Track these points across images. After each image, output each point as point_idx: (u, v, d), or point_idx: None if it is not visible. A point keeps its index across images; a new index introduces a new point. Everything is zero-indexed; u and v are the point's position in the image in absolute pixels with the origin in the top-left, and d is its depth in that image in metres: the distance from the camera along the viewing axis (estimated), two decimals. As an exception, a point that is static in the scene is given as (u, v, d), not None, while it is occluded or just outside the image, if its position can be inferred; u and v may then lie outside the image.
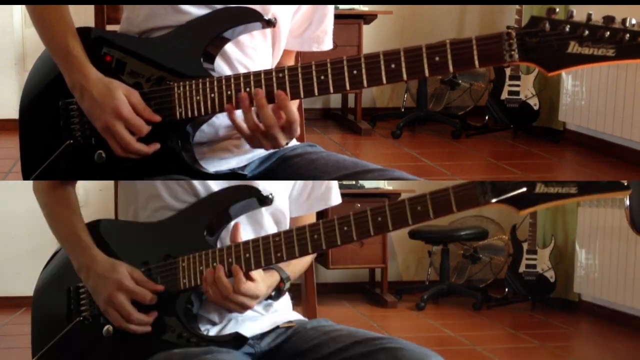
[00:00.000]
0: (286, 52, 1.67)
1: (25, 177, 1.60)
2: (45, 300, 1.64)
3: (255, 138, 1.44)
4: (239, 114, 1.43)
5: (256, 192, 1.48)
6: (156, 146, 1.48)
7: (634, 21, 1.20)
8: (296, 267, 1.61)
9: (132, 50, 1.51)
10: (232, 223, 1.51)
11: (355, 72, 1.36)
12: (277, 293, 1.54)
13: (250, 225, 1.55)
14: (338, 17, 1.72)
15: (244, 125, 1.44)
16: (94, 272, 1.51)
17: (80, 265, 1.54)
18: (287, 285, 1.55)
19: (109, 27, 1.95)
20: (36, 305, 1.66)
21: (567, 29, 1.22)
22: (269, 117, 1.41)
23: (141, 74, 1.49)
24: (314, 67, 1.39)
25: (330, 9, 1.66)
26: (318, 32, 1.67)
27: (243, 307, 1.45)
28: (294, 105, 1.46)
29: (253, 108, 1.42)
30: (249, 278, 1.44)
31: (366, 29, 5.19)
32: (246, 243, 1.44)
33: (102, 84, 1.47)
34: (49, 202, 1.62)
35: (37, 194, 1.64)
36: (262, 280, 1.47)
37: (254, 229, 1.55)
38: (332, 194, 1.65)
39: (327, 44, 1.68)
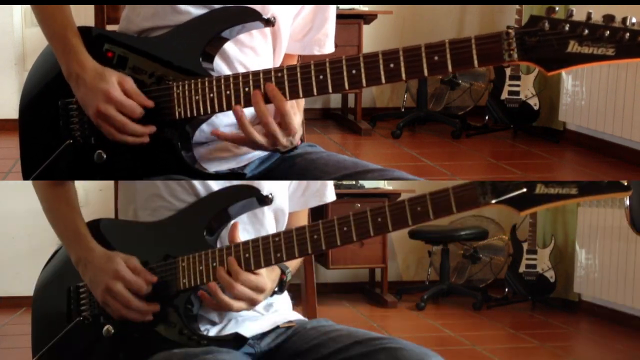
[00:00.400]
0: (288, 56, 1.67)
1: (25, 177, 1.60)
2: (46, 299, 1.64)
3: (253, 140, 1.45)
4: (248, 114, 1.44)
5: (256, 192, 1.48)
6: (152, 128, 1.48)
7: (634, 20, 1.19)
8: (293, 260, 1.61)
9: (133, 47, 1.51)
10: (232, 223, 1.51)
11: (354, 71, 1.36)
12: (280, 286, 1.54)
13: (251, 224, 1.55)
14: (338, 17, 1.72)
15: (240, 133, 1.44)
16: (91, 264, 1.51)
17: (78, 258, 1.54)
18: (289, 277, 1.55)
19: (109, 27, 1.95)
20: (36, 305, 1.66)
21: (567, 28, 1.22)
22: (262, 113, 1.41)
23: (143, 69, 1.49)
24: (312, 67, 1.38)
25: (331, 13, 1.66)
26: (319, 36, 1.67)
27: (249, 302, 1.45)
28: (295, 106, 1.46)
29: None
30: (251, 272, 1.43)
31: (366, 29, 5.19)
32: (246, 243, 1.44)
33: (95, 71, 1.47)
34: (48, 198, 1.62)
35: (36, 188, 1.64)
36: (266, 274, 1.47)
37: (255, 227, 1.55)
38: (327, 190, 1.66)
39: (328, 48, 1.68)
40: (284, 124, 1.44)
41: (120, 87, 1.46)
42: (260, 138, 1.45)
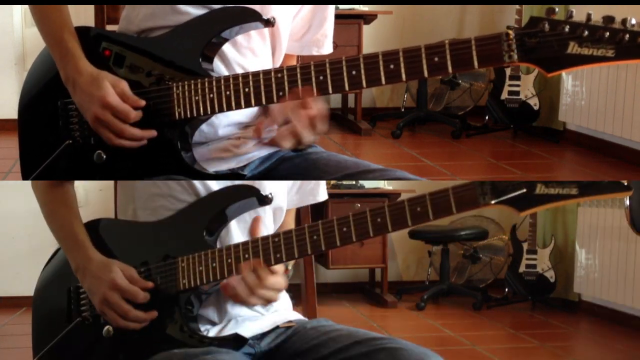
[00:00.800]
0: (287, 57, 1.67)
1: (25, 177, 1.60)
2: (46, 299, 1.64)
3: (281, 140, 1.45)
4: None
5: (256, 192, 1.48)
6: (152, 132, 1.48)
7: (634, 21, 1.19)
8: None
9: (131, 45, 1.51)
10: (232, 222, 1.51)
11: (354, 72, 1.36)
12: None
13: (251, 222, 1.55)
14: (338, 17, 1.72)
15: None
16: (90, 272, 1.51)
17: (77, 266, 1.55)
18: (292, 272, 1.55)
19: (109, 27, 1.95)
20: (37, 304, 1.65)
21: (567, 29, 1.22)
22: (301, 121, 1.41)
23: (141, 67, 1.49)
24: (312, 68, 1.38)
25: (330, 13, 1.66)
26: (318, 36, 1.66)
27: (267, 301, 1.45)
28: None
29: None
30: (271, 272, 1.44)
31: (366, 29, 5.19)
32: (245, 244, 1.44)
33: (90, 76, 1.47)
34: (47, 201, 1.62)
35: (36, 192, 1.64)
36: (281, 271, 1.46)
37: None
38: (320, 188, 1.66)
39: (326, 48, 1.68)
40: (317, 124, 1.43)
41: (115, 91, 1.46)
42: (287, 138, 1.44)
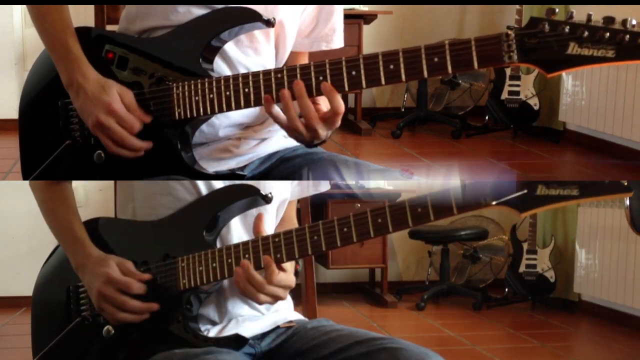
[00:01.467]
0: (297, 54, 1.66)
1: (25, 177, 1.60)
2: (46, 296, 1.64)
3: (295, 130, 1.43)
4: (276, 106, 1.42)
5: (255, 191, 1.48)
6: (149, 144, 1.48)
7: (634, 22, 1.19)
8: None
9: (133, 47, 1.51)
10: (233, 220, 1.51)
11: (354, 72, 1.36)
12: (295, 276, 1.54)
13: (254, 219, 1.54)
14: (339, 16, 1.71)
15: (282, 117, 1.42)
16: (88, 269, 1.51)
17: (77, 264, 1.54)
18: (301, 267, 1.54)
19: (109, 27, 1.95)
20: (36, 301, 1.65)
21: (567, 29, 1.22)
22: (308, 108, 1.40)
23: (143, 70, 1.49)
24: (312, 68, 1.38)
25: (337, 7, 1.64)
26: (326, 31, 1.65)
27: (276, 299, 1.44)
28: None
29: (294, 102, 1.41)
30: (281, 269, 1.43)
31: (366, 29, 5.19)
32: (245, 244, 1.44)
33: (98, 82, 1.47)
34: (46, 200, 1.61)
35: (34, 190, 1.63)
36: (291, 269, 1.46)
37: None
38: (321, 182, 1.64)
39: (336, 42, 1.66)
40: (332, 119, 1.42)
41: (121, 100, 1.46)
42: (302, 130, 1.43)
